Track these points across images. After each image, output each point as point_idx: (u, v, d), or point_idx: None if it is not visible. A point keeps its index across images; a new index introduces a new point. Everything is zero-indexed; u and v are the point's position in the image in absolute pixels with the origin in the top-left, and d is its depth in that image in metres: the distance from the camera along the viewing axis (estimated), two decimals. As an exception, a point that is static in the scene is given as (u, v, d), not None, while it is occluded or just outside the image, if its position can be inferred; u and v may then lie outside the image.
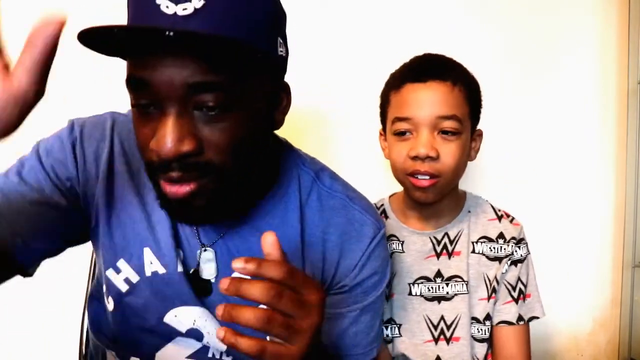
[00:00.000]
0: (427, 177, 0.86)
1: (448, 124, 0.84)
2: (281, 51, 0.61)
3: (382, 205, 1.04)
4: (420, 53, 0.94)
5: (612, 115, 1.36)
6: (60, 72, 1.12)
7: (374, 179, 1.25)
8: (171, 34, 0.46)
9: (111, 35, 0.49)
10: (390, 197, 1.05)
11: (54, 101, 1.15)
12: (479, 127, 0.94)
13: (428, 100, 0.85)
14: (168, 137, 0.51)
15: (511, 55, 1.30)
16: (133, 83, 0.54)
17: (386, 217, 1.01)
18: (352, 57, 1.27)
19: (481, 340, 0.94)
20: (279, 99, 0.64)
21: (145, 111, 0.54)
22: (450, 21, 1.28)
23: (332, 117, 1.28)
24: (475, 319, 0.94)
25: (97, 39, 0.50)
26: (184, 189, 0.55)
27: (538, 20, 1.31)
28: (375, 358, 0.77)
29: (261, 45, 0.56)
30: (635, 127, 1.32)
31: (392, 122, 0.89)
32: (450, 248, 0.96)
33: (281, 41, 0.61)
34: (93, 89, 1.19)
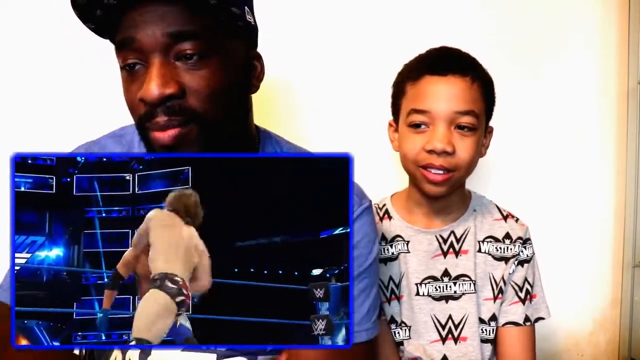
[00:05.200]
0: (441, 172, 0.84)
1: (465, 120, 0.84)
2: (249, 19, 0.67)
3: (385, 205, 1.02)
4: (418, 47, 0.93)
5: (612, 115, 1.35)
6: (59, 77, 1.09)
7: (372, 176, 1.23)
8: None
9: None
10: (392, 196, 1.04)
11: (50, 105, 1.13)
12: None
13: (447, 95, 0.84)
14: (153, 82, 0.58)
15: (511, 55, 1.29)
16: (121, 44, 0.61)
17: (390, 217, 1.00)
18: (350, 53, 1.25)
19: (485, 341, 0.93)
20: (253, 65, 0.71)
21: (132, 71, 0.61)
22: (449, 20, 1.27)
23: (326, 112, 1.26)
24: (479, 319, 0.93)
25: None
26: (169, 133, 0.60)
27: (538, 20, 1.30)
28: (372, 341, 0.73)
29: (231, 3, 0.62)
30: (635, 127, 1.32)
31: (407, 114, 0.88)
32: (457, 246, 0.95)
33: (248, 10, 0.67)
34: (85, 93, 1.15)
